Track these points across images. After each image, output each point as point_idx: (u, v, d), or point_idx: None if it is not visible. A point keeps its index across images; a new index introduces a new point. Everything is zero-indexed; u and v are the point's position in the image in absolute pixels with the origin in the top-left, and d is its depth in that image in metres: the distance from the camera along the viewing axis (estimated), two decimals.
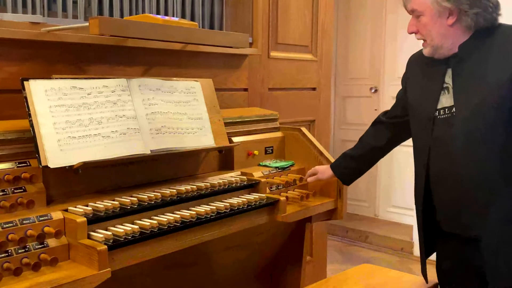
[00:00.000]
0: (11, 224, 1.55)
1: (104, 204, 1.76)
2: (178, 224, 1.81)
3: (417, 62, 2.00)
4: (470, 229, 1.80)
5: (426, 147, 1.86)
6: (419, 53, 1.97)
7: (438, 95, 1.83)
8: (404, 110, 2.05)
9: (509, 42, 1.75)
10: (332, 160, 2.49)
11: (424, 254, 1.99)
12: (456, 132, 1.76)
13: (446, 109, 1.81)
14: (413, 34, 1.86)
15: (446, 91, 1.83)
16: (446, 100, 1.82)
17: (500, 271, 1.77)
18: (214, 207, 1.98)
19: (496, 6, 1.77)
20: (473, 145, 1.73)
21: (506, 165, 1.73)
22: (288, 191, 2.38)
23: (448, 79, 1.83)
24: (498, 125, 1.71)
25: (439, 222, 1.91)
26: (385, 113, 2.21)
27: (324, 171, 2.36)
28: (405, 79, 2.06)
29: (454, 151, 1.77)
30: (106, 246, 1.56)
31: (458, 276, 1.93)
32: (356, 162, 2.26)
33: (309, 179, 2.40)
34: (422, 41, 1.86)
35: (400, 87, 2.13)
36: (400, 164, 4.86)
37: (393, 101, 2.21)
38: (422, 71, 1.95)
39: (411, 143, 1.98)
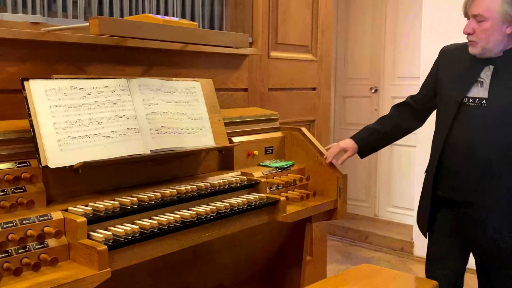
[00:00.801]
0: (11, 224, 1.55)
1: (104, 204, 1.76)
2: (178, 224, 1.81)
3: (451, 53, 2.22)
4: (475, 196, 2.07)
5: (448, 125, 2.11)
6: (454, 46, 2.22)
7: (471, 86, 2.07)
8: (432, 92, 2.28)
9: None
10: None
11: (429, 212, 2.25)
12: (489, 118, 2.01)
13: (477, 99, 2.06)
14: (467, 34, 2.05)
15: (479, 84, 2.06)
16: (478, 92, 2.06)
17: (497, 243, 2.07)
18: (214, 207, 1.98)
19: None
20: (506, 125, 1.99)
21: None
22: (288, 191, 2.38)
23: (484, 75, 2.06)
24: None
25: (443, 190, 2.20)
26: (412, 96, 2.40)
27: (351, 146, 2.42)
28: (437, 64, 2.28)
29: (483, 130, 2.02)
30: (106, 246, 1.56)
31: (444, 238, 2.25)
32: (378, 137, 2.42)
33: (342, 159, 2.42)
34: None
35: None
36: (400, 164, 4.86)
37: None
38: (457, 63, 2.15)
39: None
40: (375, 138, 2.44)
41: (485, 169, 2.05)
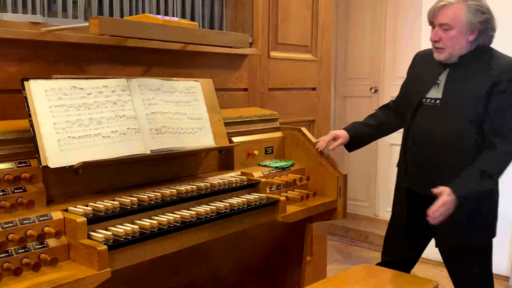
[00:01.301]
0: (11, 224, 1.55)
1: (104, 204, 1.76)
2: (178, 224, 1.81)
3: (423, 59, 2.43)
4: (429, 185, 2.19)
5: (409, 123, 2.35)
6: (427, 51, 2.39)
7: (430, 88, 2.29)
8: (405, 98, 2.47)
9: (491, 65, 2.16)
10: (332, 159, 2.53)
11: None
12: (440, 115, 2.22)
13: (433, 99, 2.28)
14: (434, 42, 2.22)
15: (437, 86, 2.28)
16: (434, 93, 2.27)
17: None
18: (214, 207, 1.98)
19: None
20: (451, 122, 2.19)
21: (479, 136, 2.16)
22: (288, 191, 2.38)
23: (441, 78, 2.27)
24: (470, 115, 2.16)
25: (409, 181, 2.41)
26: (393, 101, 2.59)
27: (342, 135, 2.50)
28: (410, 70, 2.49)
29: (435, 126, 2.23)
30: (106, 246, 1.56)
31: (409, 226, 2.44)
32: (368, 131, 2.55)
33: (334, 145, 2.48)
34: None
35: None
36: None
37: None
38: (425, 67, 2.37)
39: None
40: (365, 132, 2.56)
41: (438, 161, 2.25)
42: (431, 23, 2.21)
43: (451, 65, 2.24)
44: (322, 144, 2.51)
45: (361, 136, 2.55)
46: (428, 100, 2.29)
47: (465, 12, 2.12)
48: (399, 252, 2.52)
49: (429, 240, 2.49)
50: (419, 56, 2.47)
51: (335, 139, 2.50)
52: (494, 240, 3.88)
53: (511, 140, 2.11)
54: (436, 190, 2.12)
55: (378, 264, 2.55)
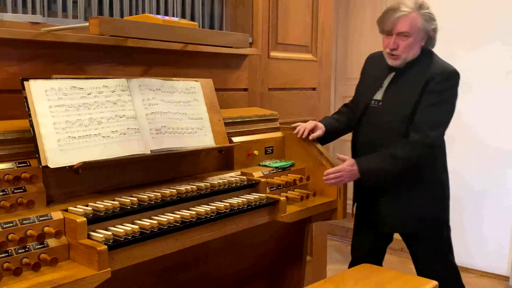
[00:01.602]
0: (11, 224, 1.55)
1: (104, 204, 1.76)
2: (178, 224, 1.81)
3: (373, 61, 2.57)
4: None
5: (357, 123, 2.51)
6: (377, 54, 2.53)
7: (376, 90, 2.45)
8: (357, 100, 2.61)
9: (428, 68, 2.32)
10: (332, 159, 2.53)
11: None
12: (381, 115, 2.39)
13: (377, 101, 2.44)
14: (392, 49, 2.33)
15: (382, 89, 2.44)
16: (378, 95, 2.44)
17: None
18: (214, 207, 1.98)
19: None
20: (390, 122, 2.36)
21: (407, 128, 2.33)
22: (288, 191, 2.38)
23: (386, 81, 2.43)
24: (404, 115, 2.32)
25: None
26: (351, 101, 2.71)
27: (321, 127, 2.59)
28: (362, 72, 2.64)
29: (377, 127, 2.40)
30: (106, 246, 1.56)
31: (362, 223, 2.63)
32: (339, 125, 2.65)
33: (313, 136, 2.55)
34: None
35: None
36: None
37: None
38: (373, 70, 2.52)
39: None
40: (337, 127, 2.65)
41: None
42: (388, 31, 2.33)
43: (396, 69, 2.38)
44: (303, 131, 2.56)
45: (335, 130, 2.64)
46: (373, 102, 2.45)
47: (421, 20, 2.28)
48: (366, 245, 2.63)
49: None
50: (370, 59, 2.61)
51: (313, 129, 2.57)
52: (493, 240, 3.93)
53: (425, 133, 2.27)
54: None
55: (350, 263, 2.68)
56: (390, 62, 2.37)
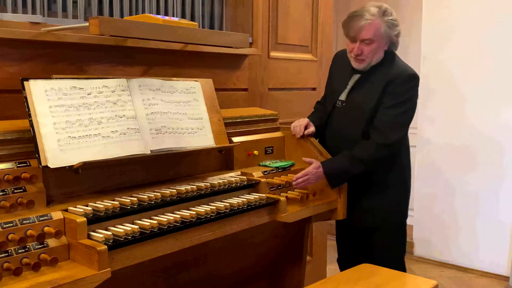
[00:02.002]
0: (11, 224, 1.54)
1: (104, 204, 1.76)
2: (178, 224, 1.81)
3: (340, 61, 2.61)
4: None
5: (326, 123, 2.60)
6: (344, 52, 2.56)
7: (342, 91, 2.53)
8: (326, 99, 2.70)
9: (389, 70, 2.40)
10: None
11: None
12: (344, 116, 2.49)
13: (341, 102, 2.53)
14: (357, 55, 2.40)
15: (346, 90, 2.51)
16: (343, 96, 2.52)
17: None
18: (214, 207, 1.98)
19: None
20: (352, 123, 2.46)
21: (369, 128, 2.41)
22: (288, 191, 2.38)
23: (350, 82, 2.50)
24: (366, 116, 2.41)
25: None
26: (323, 99, 2.79)
27: (311, 123, 2.63)
28: (330, 70, 2.71)
29: (342, 127, 2.51)
30: (106, 246, 1.56)
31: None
32: (320, 123, 2.66)
33: (309, 132, 2.59)
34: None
35: None
36: None
37: None
38: (340, 70, 2.58)
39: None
40: (320, 125, 2.67)
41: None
42: (353, 38, 2.39)
43: (361, 71, 2.45)
44: (300, 130, 2.59)
45: (319, 128, 2.67)
46: (338, 103, 2.54)
47: (384, 27, 2.36)
48: (349, 246, 2.72)
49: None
50: (338, 57, 2.67)
51: (307, 126, 2.61)
52: (493, 240, 3.95)
53: (385, 135, 2.36)
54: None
55: (338, 258, 2.82)
56: (355, 65, 2.44)
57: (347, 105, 2.50)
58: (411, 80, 2.40)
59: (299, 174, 2.37)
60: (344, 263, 2.74)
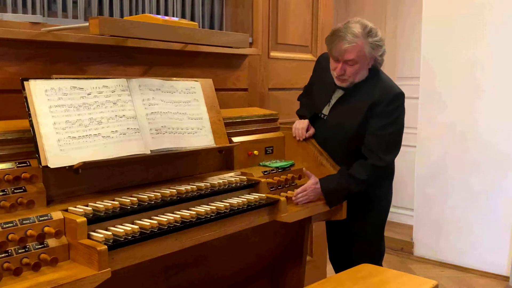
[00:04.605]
0: (11, 224, 1.55)
1: (104, 204, 1.76)
2: (178, 224, 1.81)
3: (325, 66, 2.54)
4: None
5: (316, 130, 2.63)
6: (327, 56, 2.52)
7: (325, 105, 2.56)
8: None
9: (374, 87, 2.41)
10: (332, 160, 2.54)
11: None
12: (328, 129, 2.54)
13: (323, 115, 2.57)
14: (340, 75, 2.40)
15: (329, 104, 2.55)
16: (326, 110, 2.56)
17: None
18: (214, 207, 1.98)
19: None
20: (336, 138, 2.50)
21: (351, 145, 2.48)
22: (288, 191, 2.38)
23: (334, 97, 2.52)
24: (348, 136, 2.47)
25: None
26: (303, 96, 2.83)
27: (311, 125, 2.65)
28: (315, 74, 2.71)
29: (326, 137, 2.55)
30: (106, 246, 1.56)
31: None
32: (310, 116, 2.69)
33: (310, 134, 2.61)
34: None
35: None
36: (400, 164, 4.84)
37: None
38: (325, 74, 2.54)
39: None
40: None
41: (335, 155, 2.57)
42: (336, 58, 2.39)
43: (346, 88, 2.46)
44: (302, 133, 2.60)
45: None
46: (321, 115, 2.58)
47: (368, 48, 2.35)
48: (339, 248, 2.80)
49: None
50: (323, 59, 2.62)
51: (307, 128, 2.62)
52: (493, 240, 3.97)
53: (380, 157, 2.39)
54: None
55: (335, 270, 2.86)
56: (338, 83, 2.45)
57: (330, 120, 2.54)
58: (398, 99, 2.41)
59: (299, 190, 2.37)
60: (335, 261, 2.87)
